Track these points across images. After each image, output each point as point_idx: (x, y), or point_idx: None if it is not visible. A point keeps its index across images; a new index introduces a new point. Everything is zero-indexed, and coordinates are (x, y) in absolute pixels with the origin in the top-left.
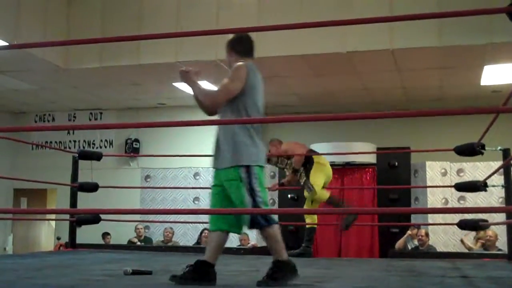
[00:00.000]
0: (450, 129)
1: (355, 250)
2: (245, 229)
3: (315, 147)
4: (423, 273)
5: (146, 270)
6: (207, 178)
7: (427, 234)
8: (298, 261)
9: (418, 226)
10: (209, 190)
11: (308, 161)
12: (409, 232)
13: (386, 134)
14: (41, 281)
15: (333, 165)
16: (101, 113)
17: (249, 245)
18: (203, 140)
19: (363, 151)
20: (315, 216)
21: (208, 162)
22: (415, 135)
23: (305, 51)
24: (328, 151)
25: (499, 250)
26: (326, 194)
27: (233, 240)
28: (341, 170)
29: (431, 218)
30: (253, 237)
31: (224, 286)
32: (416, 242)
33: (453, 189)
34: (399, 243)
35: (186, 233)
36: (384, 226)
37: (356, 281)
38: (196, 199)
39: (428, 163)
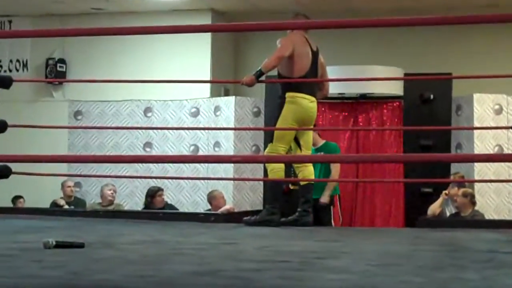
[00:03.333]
0: (508, 49)
1: (371, 216)
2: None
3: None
4: (465, 248)
5: (75, 242)
6: (163, 115)
7: (467, 195)
8: (293, 231)
9: (459, 184)
10: (165, 133)
11: (284, 91)
12: (446, 192)
13: (417, 56)
14: None
15: (342, 98)
16: (10, 21)
17: (222, 209)
18: (157, 61)
19: (384, 77)
20: (310, 168)
21: (164, 93)
22: (458, 57)
23: None
24: (335, 76)
25: None
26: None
27: (199, 202)
28: (353, 105)
29: (479, 173)
30: (229, 197)
31: (187, 264)
32: (456, 206)
33: (510, 132)
34: (433, 208)
35: (133, 193)
36: (411, 184)
37: (371, 257)
38: (147, 145)
39: (476, 96)
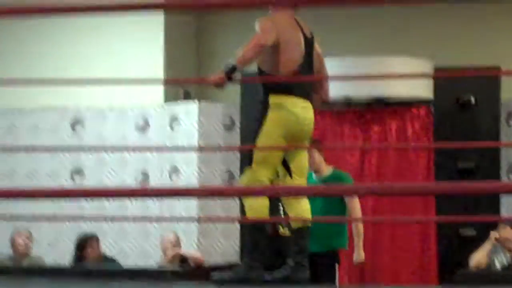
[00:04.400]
0: None
1: (392, 270)
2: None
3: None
4: None
5: None
6: (98, 130)
7: None
8: None
9: None
10: (101, 156)
11: (267, 93)
12: (496, 235)
13: (453, 44)
14: None
15: (348, 104)
16: None
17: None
18: (90, 55)
19: (407, 74)
20: (305, 204)
21: (99, 98)
22: (509, 47)
23: None
24: (337, 73)
25: None
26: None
27: (151, 253)
28: (364, 114)
29: None
30: (193, 246)
31: None
32: (510, 255)
33: None
34: (477, 258)
35: (58, 241)
36: (447, 225)
37: None
38: (76, 172)
39: None
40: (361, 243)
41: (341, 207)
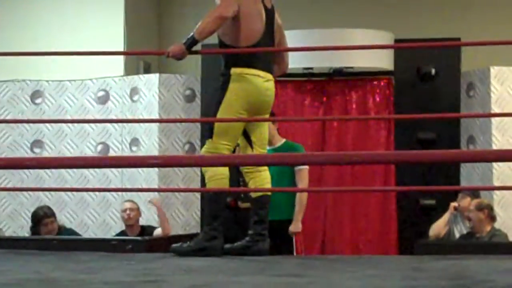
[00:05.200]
0: None
1: (351, 240)
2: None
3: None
4: (479, 283)
5: None
6: (58, 101)
7: (483, 207)
8: (242, 262)
9: (472, 193)
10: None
11: (228, 65)
12: (455, 204)
13: (413, 17)
14: None
15: (309, 75)
16: None
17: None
18: (48, 27)
19: (368, 45)
20: (265, 174)
21: (59, 70)
22: (469, 19)
23: None
24: (298, 44)
25: None
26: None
27: (111, 224)
28: (324, 85)
29: (499, 177)
30: (154, 217)
31: None
32: (468, 224)
33: None
34: (436, 227)
35: (17, 212)
36: (407, 194)
37: None
38: (36, 143)
39: (494, 71)
40: (301, 214)
41: (292, 178)
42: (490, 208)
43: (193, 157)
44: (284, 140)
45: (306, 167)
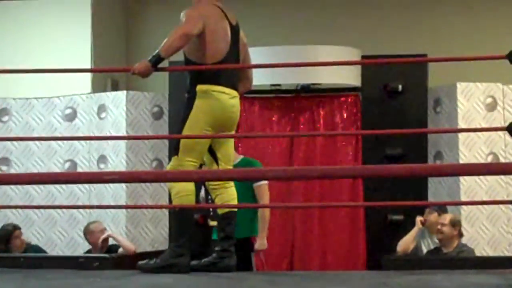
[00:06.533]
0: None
1: (320, 256)
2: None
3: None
4: None
5: None
6: (25, 119)
7: (456, 224)
8: (209, 278)
9: (439, 208)
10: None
11: (194, 82)
12: (421, 219)
13: (380, 33)
14: None
15: (276, 91)
16: None
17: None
18: (15, 44)
19: (335, 62)
20: (232, 191)
21: (26, 88)
22: (435, 36)
23: None
24: (264, 61)
25: None
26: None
27: (79, 241)
28: (291, 101)
29: (466, 192)
30: (121, 233)
31: None
32: (436, 239)
33: (507, 135)
34: (404, 243)
35: None
36: (375, 210)
37: None
38: (3, 161)
39: (460, 86)
40: (265, 231)
41: (251, 194)
42: (456, 223)
43: (151, 173)
44: (241, 156)
45: (265, 182)
